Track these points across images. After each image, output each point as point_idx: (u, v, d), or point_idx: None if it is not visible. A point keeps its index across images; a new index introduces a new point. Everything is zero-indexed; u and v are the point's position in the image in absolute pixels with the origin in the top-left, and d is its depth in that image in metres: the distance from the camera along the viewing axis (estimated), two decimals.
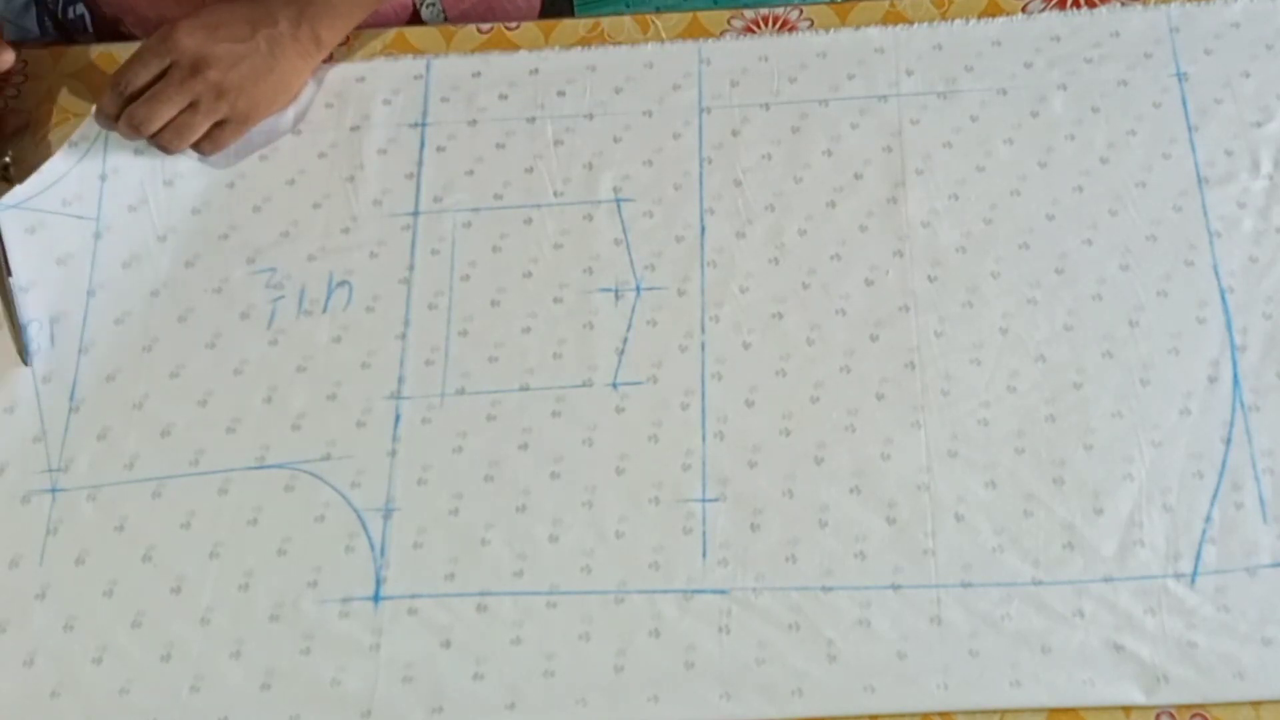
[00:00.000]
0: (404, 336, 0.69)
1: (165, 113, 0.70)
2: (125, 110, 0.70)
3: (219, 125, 0.72)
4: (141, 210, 0.73)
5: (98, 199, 0.73)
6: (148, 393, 0.68)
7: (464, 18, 0.83)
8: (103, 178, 0.73)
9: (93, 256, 0.71)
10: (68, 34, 0.89)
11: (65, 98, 0.77)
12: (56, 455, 0.66)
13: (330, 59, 0.78)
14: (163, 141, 0.71)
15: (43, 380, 0.68)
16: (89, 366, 0.69)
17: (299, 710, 0.60)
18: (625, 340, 0.68)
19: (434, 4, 0.83)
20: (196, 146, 0.73)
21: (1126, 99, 0.73)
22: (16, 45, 0.80)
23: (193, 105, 0.71)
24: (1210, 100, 0.73)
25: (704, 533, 0.63)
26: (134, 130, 0.70)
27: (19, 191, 0.71)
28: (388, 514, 0.64)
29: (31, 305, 0.70)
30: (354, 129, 0.75)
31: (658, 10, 0.78)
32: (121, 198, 0.73)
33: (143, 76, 0.70)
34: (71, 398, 0.68)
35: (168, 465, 0.66)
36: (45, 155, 0.74)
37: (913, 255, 0.70)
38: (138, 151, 0.74)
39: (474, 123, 0.75)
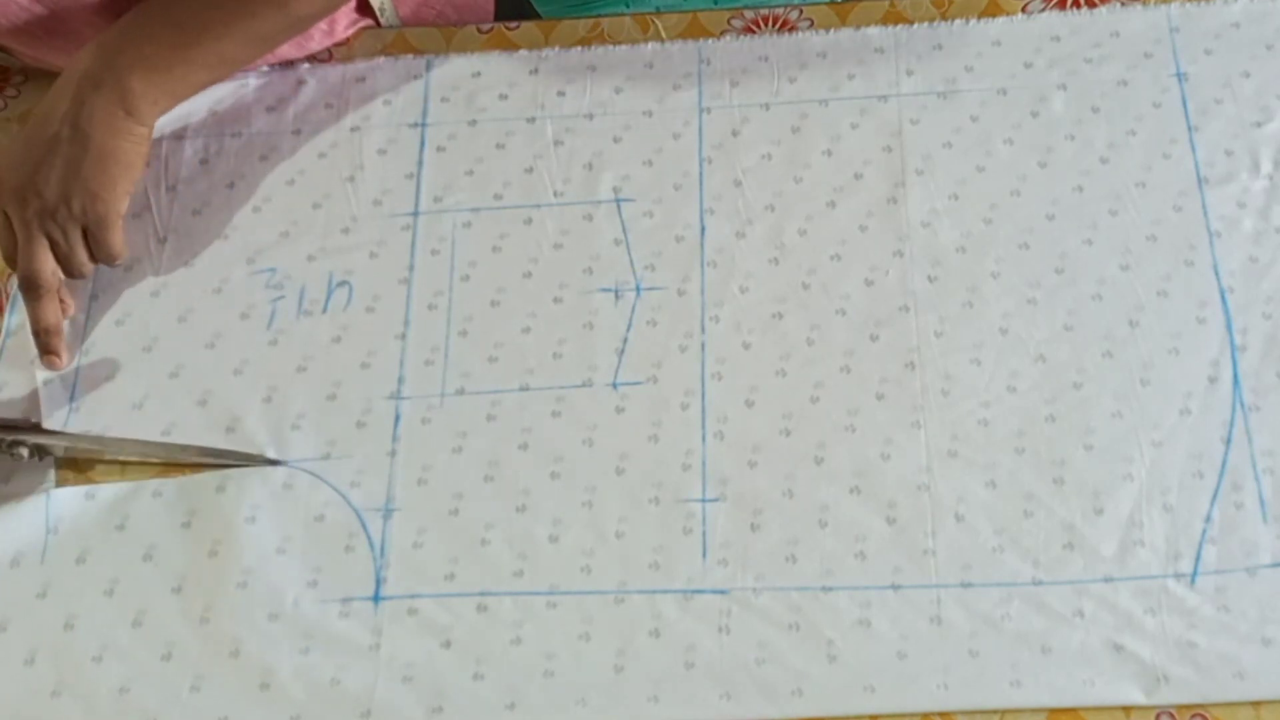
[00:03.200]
0: (404, 336, 0.69)
1: (35, 263, 0.66)
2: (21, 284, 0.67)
3: (92, 234, 0.67)
4: (144, 217, 0.73)
5: None
6: (148, 393, 0.68)
7: (415, 18, 0.81)
8: None
9: (96, 266, 0.71)
10: None
11: None
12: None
13: (330, 59, 0.78)
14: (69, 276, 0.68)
15: (43, 382, 0.68)
16: (90, 369, 0.69)
17: (299, 710, 0.60)
18: (625, 340, 0.68)
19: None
20: (103, 260, 0.69)
21: (1126, 99, 0.73)
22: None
23: (53, 239, 0.67)
24: (1210, 100, 0.73)
25: (704, 533, 0.63)
26: (33, 291, 0.67)
27: None
28: (387, 514, 0.65)
29: None
30: (354, 129, 0.75)
31: (658, 10, 0.78)
32: (128, 208, 0.73)
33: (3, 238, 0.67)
34: (71, 399, 0.68)
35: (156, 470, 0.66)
36: None
37: (913, 255, 0.70)
38: (147, 163, 0.74)
39: (474, 123, 0.75)
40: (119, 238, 0.68)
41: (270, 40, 0.69)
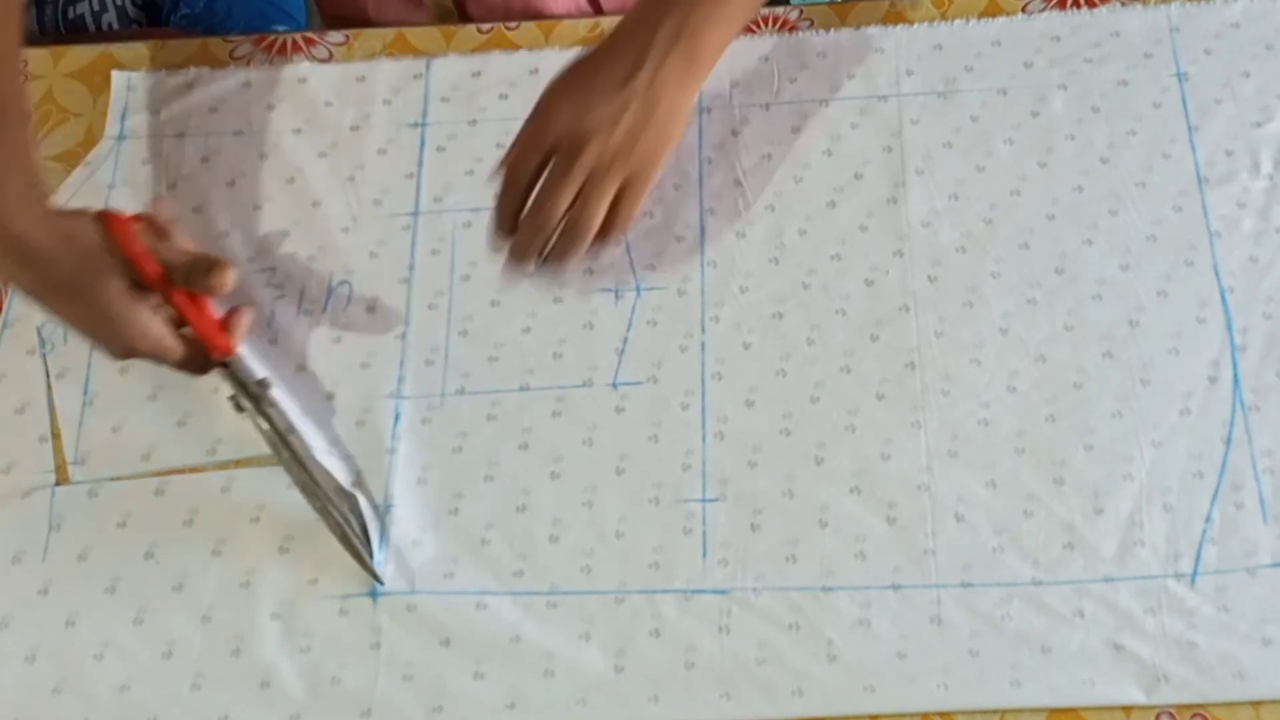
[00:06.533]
0: (404, 336, 0.69)
1: (559, 206, 0.63)
2: (521, 222, 0.65)
3: (617, 198, 0.65)
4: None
5: (104, 205, 0.73)
6: (154, 391, 0.68)
7: None
8: (110, 186, 0.73)
9: None
10: (68, 33, 0.89)
11: (65, 98, 0.77)
12: (72, 449, 0.66)
13: (330, 58, 0.78)
14: (562, 247, 0.64)
15: (56, 377, 0.68)
16: (100, 365, 0.69)
17: (299, 709, 0.60)
18: (625, 340, 0.68)
19: None
20: (604, 233, 0.65)
21: (1126, 99, 0.73)
22: None
23: (583, 193, 0.64)
24: (1210, 100, 0.73)
25: (704, 533, 0.63)
26: (538, 233, 0.64)
27: None
28: (387, 512, 0.65)
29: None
30: (354, 129, 0.75)
31: None
32: (128, 204, 0.73)
33: (529, 167, 0.65)
34: (85, 392, 0.68)
35: (174, 460, 0.66)
36: (43, 155, 0.74)
37: (913, 255, 0.70)
38: (144, 160, 0.74)
39: (474, 123, 0.75)
40: (642, 201, 0.66)
41: None
